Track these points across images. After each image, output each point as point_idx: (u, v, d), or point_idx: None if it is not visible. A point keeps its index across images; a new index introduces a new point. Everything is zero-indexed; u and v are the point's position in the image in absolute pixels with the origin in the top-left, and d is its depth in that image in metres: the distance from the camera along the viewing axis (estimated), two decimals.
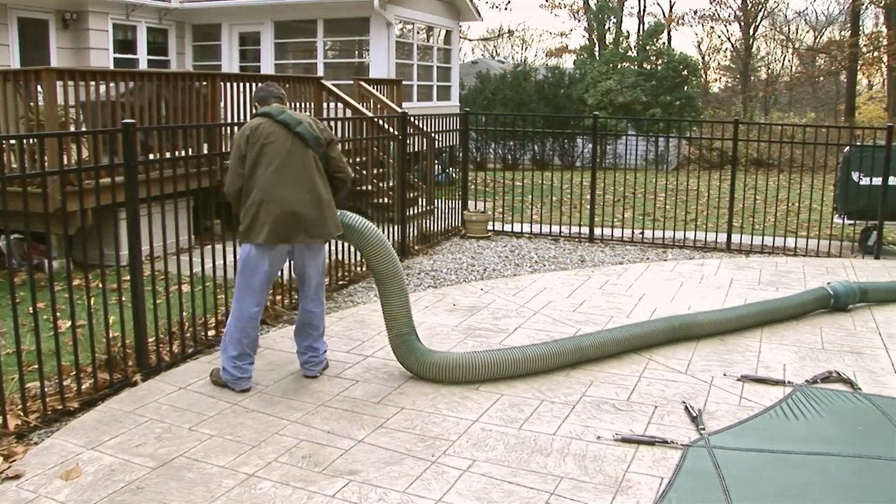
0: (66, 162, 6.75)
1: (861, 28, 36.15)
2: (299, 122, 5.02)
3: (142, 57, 16.44)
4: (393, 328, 5.37)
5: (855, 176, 10.07)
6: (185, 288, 6.94)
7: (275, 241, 4.93)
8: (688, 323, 6.20)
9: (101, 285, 5.51)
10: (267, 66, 16.95)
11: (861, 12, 34.82)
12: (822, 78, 40.31)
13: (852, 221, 10.28)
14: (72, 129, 8.37)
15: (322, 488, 3.86)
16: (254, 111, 5.33)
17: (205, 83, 10.10)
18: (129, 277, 5.39)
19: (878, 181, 9.73)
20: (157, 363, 5.50)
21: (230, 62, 17.27)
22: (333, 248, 7.95)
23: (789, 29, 45.07)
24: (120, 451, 4.24)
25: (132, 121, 5.35)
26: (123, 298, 5.29)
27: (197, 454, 4.22)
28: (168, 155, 6.51)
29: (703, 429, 4.53)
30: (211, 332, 6.15)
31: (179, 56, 17.48)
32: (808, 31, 45.38)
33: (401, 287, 5.38)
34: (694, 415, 4.71)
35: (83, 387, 5.00)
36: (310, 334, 5.35)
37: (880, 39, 34.66)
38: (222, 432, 4.49)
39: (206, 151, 8.24)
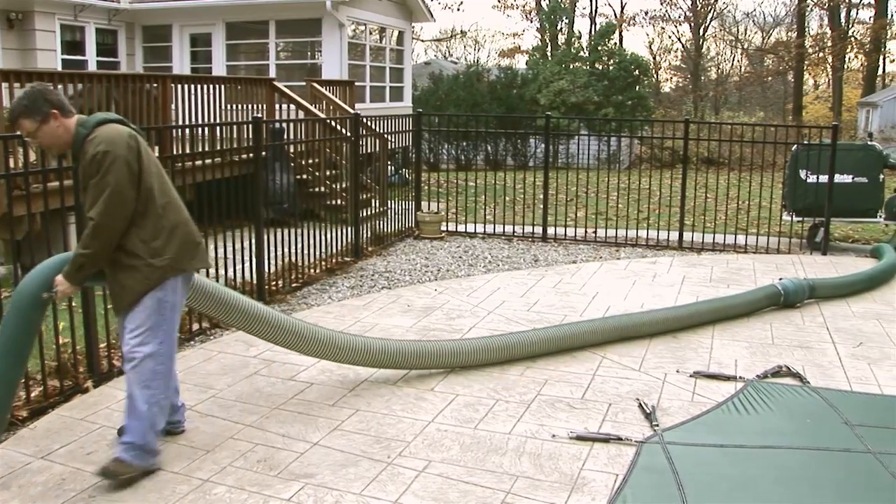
0: (12, 165, 6.63)
1: (807, 29, 36.91)
2: None
3: (91, 58, 16.18)
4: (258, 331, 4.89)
5: (803, 174, 10.25)
6: None
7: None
8: (640, 321, 6.27)
9: None
10: (218, 67, 16.80)
11: (806, 14, 35.53)
12: (770, 78, 41.06)
13: (801, 218, 10.46)
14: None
15: (278, 492, 3.83)
16: (57, 115, 3.88)
17: (155, 85, 9.98)
18: None
19: (824, 179, 9.92)
20: (109, 369, 5.41)
21: (181, 64, 17.08)
22: (285, 250, 7.91)
23: (738, 30, 45.99)
24: (71, 459, 4.18)
25: None
26: (73, 304, 5.21)
27: None
28: None
29: (657, 425, 4.58)
30: None
31: (129, 57, 17.24)
32: (756, 32, 46.34)
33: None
34: (648, 411, 4.76)
35: (32, 395, 4.90)
36: (176, 389, 4.43)
37: (825, 40, 35.44)
38: (176, 438, 4.43)
39: (156, 154, 8.14)
